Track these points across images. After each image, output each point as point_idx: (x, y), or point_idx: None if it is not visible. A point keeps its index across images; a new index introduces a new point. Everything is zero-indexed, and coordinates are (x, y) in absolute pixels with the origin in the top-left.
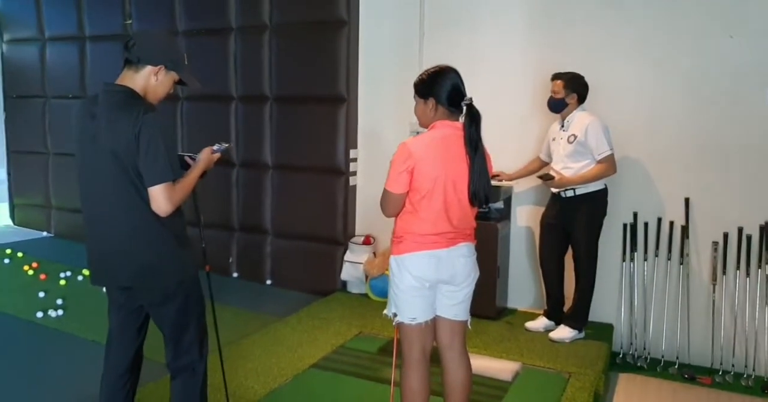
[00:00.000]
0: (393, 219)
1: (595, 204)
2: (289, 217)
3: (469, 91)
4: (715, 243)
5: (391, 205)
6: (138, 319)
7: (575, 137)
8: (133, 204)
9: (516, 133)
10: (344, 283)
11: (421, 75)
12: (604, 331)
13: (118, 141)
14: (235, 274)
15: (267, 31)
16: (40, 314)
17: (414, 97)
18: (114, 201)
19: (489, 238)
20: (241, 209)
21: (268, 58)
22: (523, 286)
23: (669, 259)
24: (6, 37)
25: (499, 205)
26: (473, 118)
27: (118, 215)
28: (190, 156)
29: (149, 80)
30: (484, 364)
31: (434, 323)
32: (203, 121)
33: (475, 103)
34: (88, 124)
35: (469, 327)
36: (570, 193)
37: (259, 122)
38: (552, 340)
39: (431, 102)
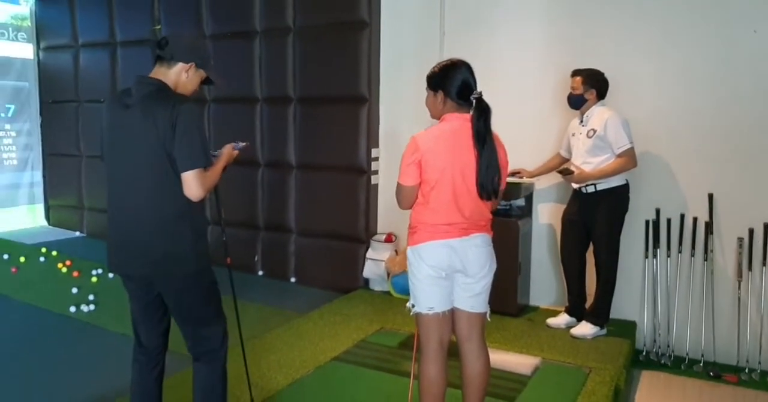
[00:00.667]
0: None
1: (617, 199)
2: (312, 216)
3: (489, 89)
4: (740, 239)
5: (403, 197)
6: (159, 308)
7: (594, 132)
8: (164, 192)
9: (536, 130)
10: (366, 281)
11: (433, 68)
12: (627, 328)
13: (156, 129)
14: (260, 272)
15: (291, 33)
16: (73, 309)
17: (426, 89)
18: (145, 188)
19: (510, 235)
20: (266, 208)
21: (291, 60)
22: (545, 284)
23: (693, 255)
24: (42, 44)
25: (521, 202)
26: (482, 112)
27: (147, 202)
28: (212, 153)
29: (180, 76)
30: (503, 358)
31: (452, 315)
32: (229, 123)
33: (495, 101)
34: (121, 114)
35: (488, 319)
36: (591, 189)
37: (283, 123)
38: (573, 337)
39: (440, 95)
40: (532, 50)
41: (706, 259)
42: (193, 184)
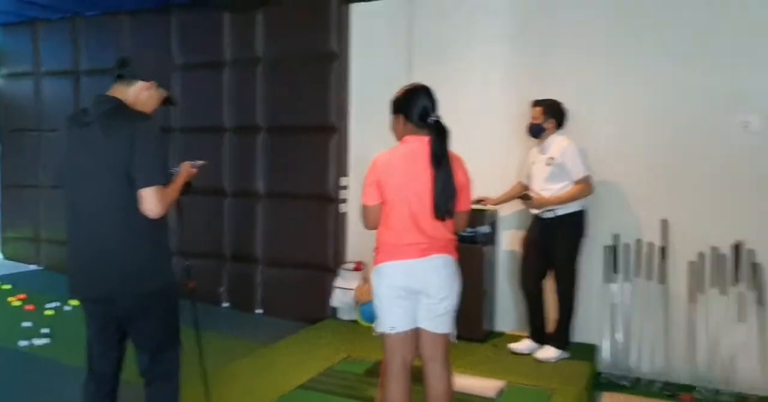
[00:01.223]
0: None
1: (575, 225)
2: (280, 246)
3: (455, 119)
4: (692, 263)
5: (366, 217)
6: (116, 332)
7: (553, 159)
8: (124, 210)
9: (501, 159)
10: (334, 310)
11: (396, 92)
12: (588, 351)
13: (115, 146)
14: (225, 304)
15: (259, 64)
16: (24, 343)
17: (390, 113)
18: (105, 207)
19: (475, 262)
20: (232, 239)
21: (261, 90)
22: (509, 309)
23: (649, 279)
24: (3, 71)
25: (485, 229)
26: (438, 134)
27: (107, 221)
28: (170, 170)
29: (140, 95)
30: (468, 382)
31: (417, 336)
32: (196, 152)
33: (461, 131)
34: (79, 133)
35: (455, 341)
36: (550, 215)
37: (251, 152)
38: (537, 360)
39: (401, 118)
40: (497, 82)
41: (661, 283)
42: (151, 200)
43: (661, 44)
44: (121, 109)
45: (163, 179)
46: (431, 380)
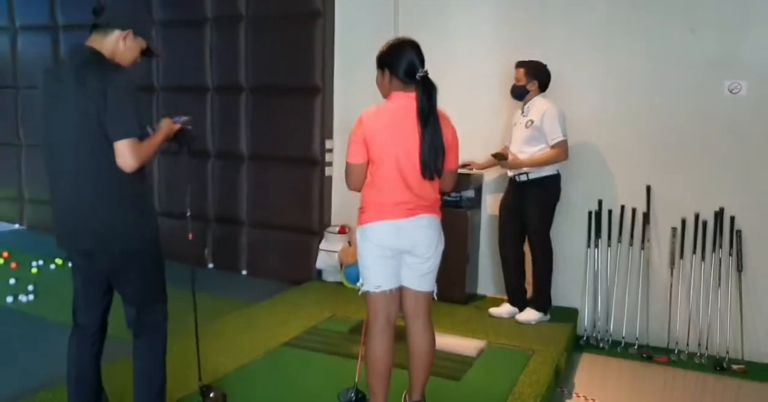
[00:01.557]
0: None
1: (548, 189)
2: (264, 208)
3: (441, 82)
4: (674, 229)
5: (351, 176)
6: (102, 285)
7: (532, 122)
8: (101, 164)
9: (486, 122)
10: (320, 272)
11: (382, 47)
12: (569, 314)
13: (87, 98)
14: (210, 265)
15: (243, 21)
16: (10, 299)
17: (376, 68)
18: (79, 160)
19: (459, 226)
20: (216, 200)
21: (243, 49)
22: (491, 273)
23: (631, 245)
24: None
25: (470, 193)
26: (425, 90)
27: (82, 175)
28: (150, 127)
29: (117, 45)
30: (450, 342)
31: (400, 294)
32: (179, 112)
33: (447, 94)
34: (54, 85)
35: (435, 298)
36: (524, 178)
37: (234, 113)
38: (519, 322)
39: (387, 73)
40: (484, 42)
41: (643, 248)
42: (126, 153)
43: (648, 11)
44: (95, 60)
45: (138, 131)
46: (414, 337)
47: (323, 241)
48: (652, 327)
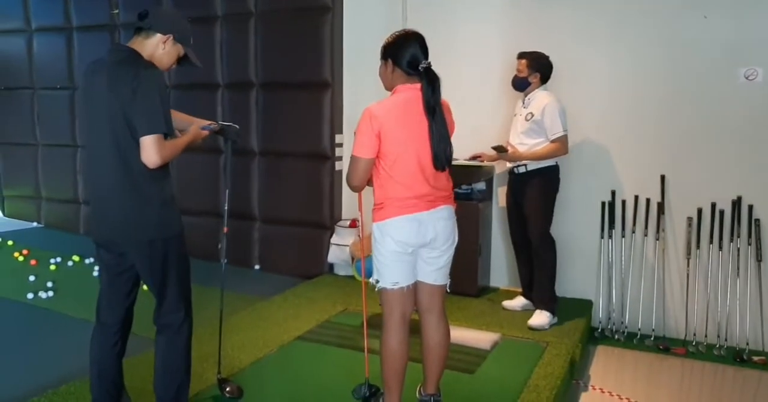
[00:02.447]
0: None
1: (546, 180)
2: (276, 203)
3: (450, 74)
4: (690, 218)
5: (357, 171)
6: (127, 282)
7: (532, 115)
8: (126, 157)
9: (495, 114)
10: (331, 266)
11: (387, 38)
12: (584, 306)
13: (117, 94)
14: (224, 261)
15: (252, 17)
16: (30, 295)
17: (380, 59)
18: (108, 154)
19: (470, 218)
20: (229, 196)
21: (253, 45)
22: (504, 266)
23: (646, 235)
24: None
25: (481, 185)
26: (430, 82)
27: (108, 168)
28: (179, 130)
29: (157, 48)
30: (463, 335)
31: (414, 288)
32: (190, 110)
33: (455, 86)
34: (91, 80)
35: (448, 290)
36: (522, 169)
37: (245, 109)
38: (531, 328)
39: (390, 64)
40: (492, 35)
41: (657, 239)
42: (150, 149)
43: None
44: (131, 59)
45: (164, 128)
46: (428, 331)
47: (334, 235)
48: (669, 318)
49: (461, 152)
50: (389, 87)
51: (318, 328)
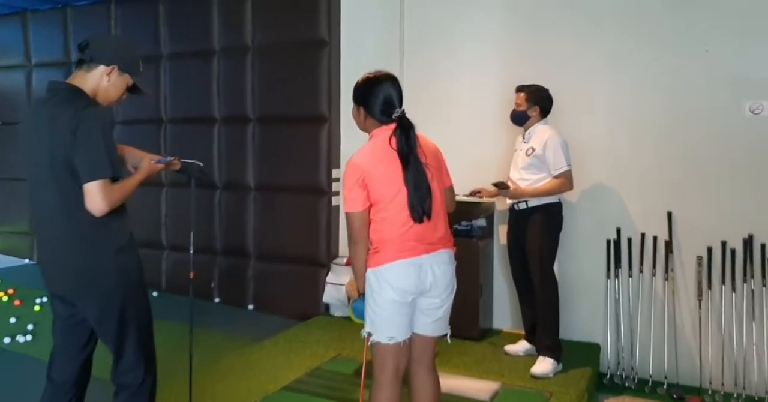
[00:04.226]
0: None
1: (548, 217)
2: (271, 239)
3: (448, 108)
4: (699, 257)
5: (355, 227)
6: (82, 334)
7: (533, 150)
8: (70, 205)
9: (495, 148)
10: (327, 307)
11: (358, 80)
12: (591, 350)
13: (56, 136)
14: (216, 299)
15: (249, 52)
16: (7, 340)
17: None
18: (52, 201)
19: (471, 256)
20: (223, 232)
21: (250, 79)
22: (507, 306)
23: (654, 275)
24: None
25: (482, 222)
26: (404, 130)
27: (55, 216)
28: (134, 167)
29: (101, 81)
30: (461, 384)
31: (410, 340)
32: (187, 144)
33: (454, 119)
34: (31, 122)
35: (449, 341)
36: (523, 206)
37: (241, 143)
38: (534, 377)
39: (362, 110)
40: (490, 67)
41: (666, 279)
42: (95, 196)
43: (662, 29)
44: (70, 98)
45: (110, 171)
46: (418, 384)
47: (330, 273)
48: (682, 364)
49: (461, 188)
50: (362, 129)
51: (307, 377)
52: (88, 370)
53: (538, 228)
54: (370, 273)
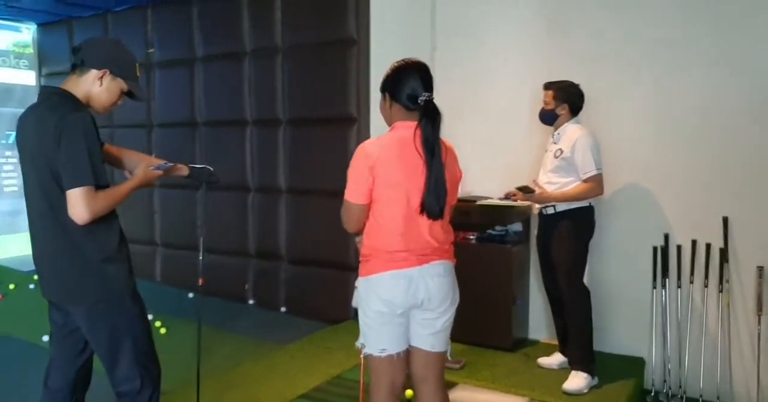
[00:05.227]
0: None
1: (578, 223)
2: (303, 243)
3: (477, 107)
4: (760, 268)
5: (352, 217)
6: (77, 342)
7: (561, 152)
8: (57, 212)
9: (528, 149)
10: (356, 311)
11: (387, 70)
12: (634, 365)
13: (42, 143)
14: (251, 301)
15: (279, 53)
16: (46, 338)
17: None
18: (40, 208)
19: (503, 263)
20: (256, 235)
21: (280, 81)
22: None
23: (706, 285)
24: (44, 71)
25: (517, 227)
26: (430, 117)
27: (44, 224)
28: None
29: (93, 86)
30: (485, 398)
31: (408, 354)
32: (220, 147)
33: (486, 117)
34: (21, 130)
35: (449, 357)
36: (550, 211)
37: (273, 146)
38: (567, 393)
39: (388, 98)
40: (523, 66)
41: (721, 291)
42: (78, 204)
43: (711, 22)
44: (58, 104)
45: (92, 179)
46: None
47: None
48: (737, 385)
49: (493, 191)
50: (389, 123)
51: (326, 385)
52: (85, 377)
53: (565, 234)
54: (361, 282)
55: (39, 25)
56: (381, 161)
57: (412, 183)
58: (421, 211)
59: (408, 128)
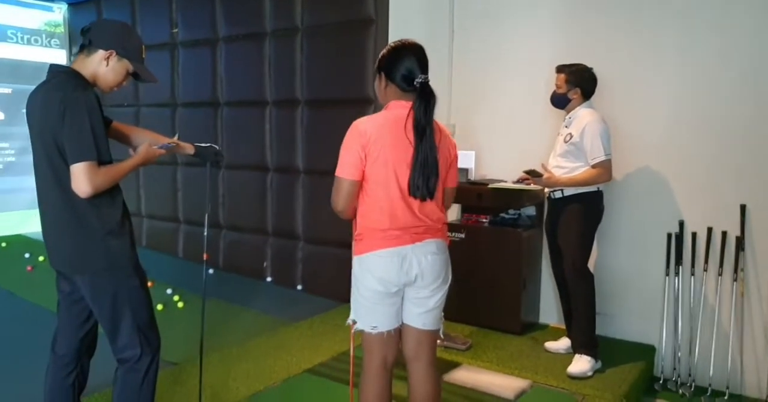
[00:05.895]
0: None
1: (585, 207)
2: (318, 223)
3: (496, 89)
4: None
5: (341, 194)
6: (82, 310)
7: (571, 136)
8: (63, 186)
9: (543, 132)
10: None
11: (383, 49)
12: (643, 351)
13: (48, 120)
14: (269, 279)
15: (299, 33)
16: None
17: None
18: (47, 182)
19: (512, 247)
20: (274, 214)
21: (299, 61)
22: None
23: (720, 274)
24: (74, 50)
25: (531, 211)
26: (423, 98)
27: (50, 196)
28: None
29: (100, 66)
30: (488, 380)
31: (399, 332)
32: (241, 127)
33: (504, 99)
34: (30, 107)
35: (441, 336)
36: (558, 195)
37: (291, 127)
38: (571, 376)
39: (383, 78)
40: (542, 48)
41: (735, 279)
42: (80, 178)
43: (738, 10)
44: (64, 81)
45: (94, 155)
46: (415, 382)
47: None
48: (748, 375)
49: (508, 174)
50: (383, 102)
51: (332, 361)
52: (90, 344)
53: (572, 219)
54: (355, 260)
55: (69, 4)
56: (374, 140)
57: (403, 163)
58: (409, 191)
59: (403, 108)
